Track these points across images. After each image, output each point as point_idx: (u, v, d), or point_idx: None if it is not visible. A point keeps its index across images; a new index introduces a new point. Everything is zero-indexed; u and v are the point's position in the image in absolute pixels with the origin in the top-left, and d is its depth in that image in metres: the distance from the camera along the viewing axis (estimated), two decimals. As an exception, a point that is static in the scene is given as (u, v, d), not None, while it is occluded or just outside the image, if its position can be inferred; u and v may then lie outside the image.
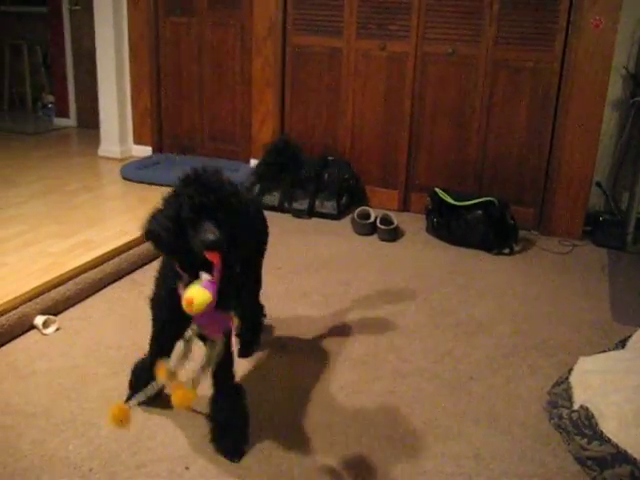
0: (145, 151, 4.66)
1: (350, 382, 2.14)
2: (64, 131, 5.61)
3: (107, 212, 3.56)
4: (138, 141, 4.71)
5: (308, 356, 2.30)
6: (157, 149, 4.66)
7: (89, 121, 5.53)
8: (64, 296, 2.54)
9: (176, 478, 1.66)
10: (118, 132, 4.62)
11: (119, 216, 3.49)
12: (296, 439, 1.83)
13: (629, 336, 2.32)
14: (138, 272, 2.91)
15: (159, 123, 4.63)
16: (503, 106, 3.69)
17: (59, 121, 5.83)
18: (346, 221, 3.75)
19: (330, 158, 3.98)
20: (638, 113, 3.73)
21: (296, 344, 2.38)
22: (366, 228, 3.54)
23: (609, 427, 1.74)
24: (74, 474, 1.66)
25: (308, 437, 1.85)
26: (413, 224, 3.74)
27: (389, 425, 1.93)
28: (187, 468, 1.70)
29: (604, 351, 2.28)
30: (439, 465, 1.77)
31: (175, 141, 4.64)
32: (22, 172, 4.17)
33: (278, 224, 3.65)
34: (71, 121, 5.79)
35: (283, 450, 1.78)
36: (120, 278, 2.84)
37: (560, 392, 2.04)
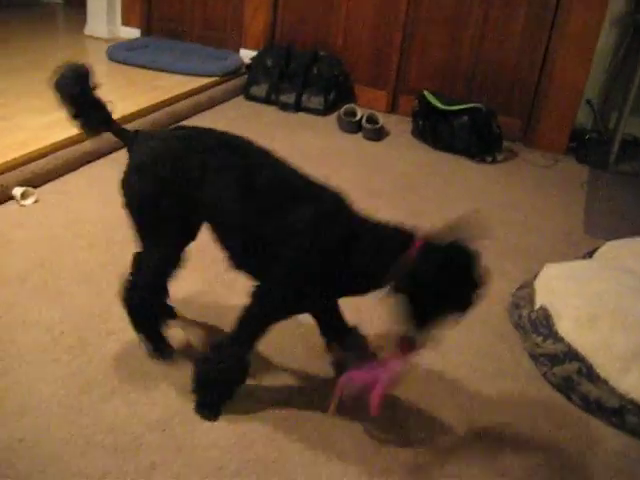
0: (133, 33, 4.53)
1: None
2: (51, 7, 5.42)
3: (91, 91, 3.50)
4: (126, 23, 4.57)
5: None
6: (146, 32, 4.54)
7: (76, -1, 5.35)
8: (44, 169, 2.53)
9: (144, 346, 1.72)
10: (106, 12, 4.48)
11: (104, 96, 3.43)
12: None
13: (597, 248, 2.38)
14: (120, 152, 2.89)
15: (149, 5, 4.48)
16: (500, 13, 3.60)
17: (45, -4, 5.63)
18: (332, 118, 3.73)
19: (321, 53, 3.91)
20: (637, 31, 3.66)
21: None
22: (351, 126, 3.52)
23: (564, 327, 1.82)
24: (45, 335, 1.72)
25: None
26: (399, 126, 3.73)
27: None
28: (156, 338, 1.76)
29: (571, 260, 2.34)
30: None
31: (165, 25, 4.51)
32: (3, 46, 4.05)
33: (264, 116, 3.62)
34: (58, -3, 5.60)
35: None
36: (101, 157, 2.84)
37: (524, 295, 2.10)
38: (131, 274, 1.68)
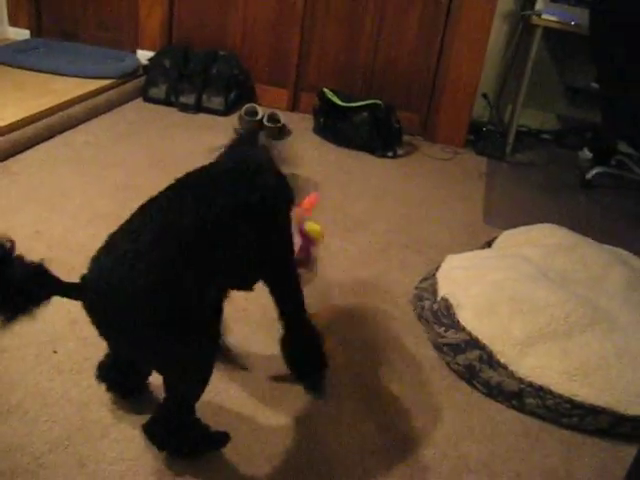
0: (22, 34, 4.34)
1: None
2: None
3: (-22, 97, 3.34)
4: (14, 23, 4.38)
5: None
6: (36, 33, 4.36)
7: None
8: None
9: (43, 362, 1.66)
10: (-9, 12, 4.28)
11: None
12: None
13: (495, 237, 2.46)
14: (12, 160, 2.77)
15: (37, 5, 4.30)
16: (395, 10, 3.67)
17: None
18: (234, 118, 3.70)
19: (221, 53, 3.87)
20: (526, 27, 3.81)
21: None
22: (252, 125, 3.50)
23: (465, 317, 1.87)
24: None
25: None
26: (301, 123, 3.74)
27: (258, 312, 1.98)
28: (55, 352, 1.69)
29: (472, 250, 2.41)
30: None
31: (57, 26, 4.34)
32: None
33: (164, 118, 3.55)
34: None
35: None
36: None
37: (426, 287, 2.15)
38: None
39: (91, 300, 1.20)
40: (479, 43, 3.59)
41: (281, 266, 1.57)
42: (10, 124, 2.87)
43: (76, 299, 1.21)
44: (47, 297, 1.17)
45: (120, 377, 1.54)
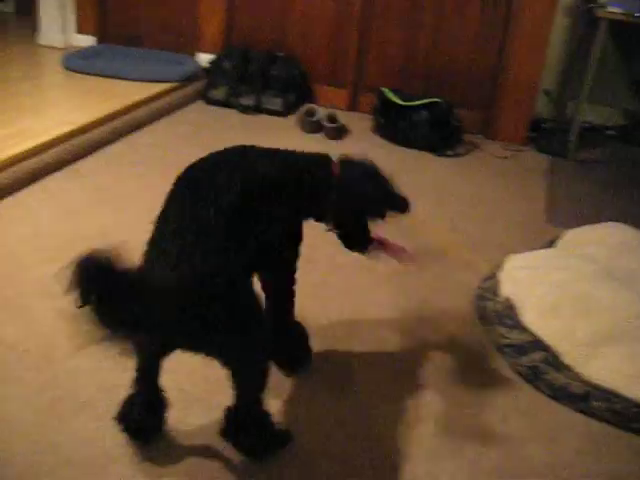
0: (89, 41, 4.48)
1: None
2: (1, 17, 5.33)
3: (47, 101, 3.45)
4: (81, 30, 4.51)
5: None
6: (101, 39, 4.49)
7: (28, 7, 5.25)
8: (1, 184, 2.49)
9: (110, 359, 1.70)
10: (59, 20, 4.41)
11: (60, 106, 3.39)
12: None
13: (559, 236, 2.41)
14: (79, 162, 2.86)
15: (103, 12, 4.43)
16: (454, 7, 3.64)
17: (-4, 6, 5.53)
18: (293, 118, 3.73)
19: (279, 54, 3.90)
20: (589, 20, 3.72)
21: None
22: (312, 126, 3.52)
23: (529, 318, 1.84)
24: (9, 353, 1.69)
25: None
26: (360, 123, 3.74)
27: (320, 313, 1.99)
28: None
29: (534, 250, 2.37)
30: (364, 350, 1.85)
31: (120, 31, 4.46)
32: (-44, 58, 3.98)
33: (224, 120, 3.60)
34: (8, 6, 5.48)
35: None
36: (60, 168, 2.80)
37: (488, 287, 2.12)
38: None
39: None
40: (540, 38, 3.52)
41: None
42: (78, 128, 2.97)
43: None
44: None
45: (141, 418, 1.47)
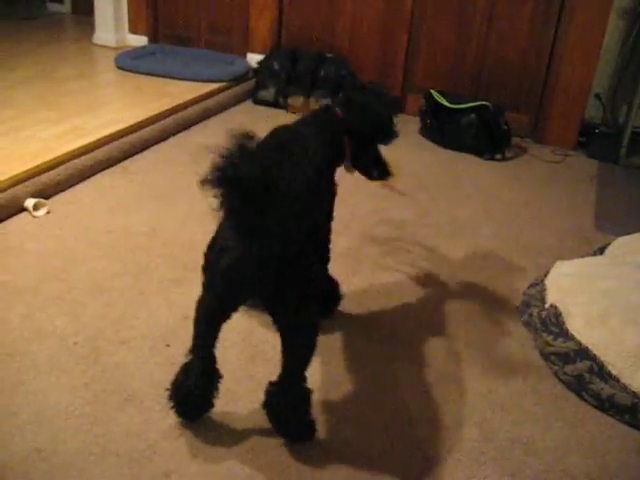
0: (141, 41, 4.56)
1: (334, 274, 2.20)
2: (58, 17, 5.47)
3: (100, 100, 3.53)
4: (134, 30, 4.60)
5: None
6: (153, 39, 4.57)
7: (84, 7, 5.38)
8: (54, 180, 2.56)
9: (157, 354, 1.74)
10: (113, 20, 4.50)
11: (112, 104, 3.46)
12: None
13: (608, 244, 2.37)
14: (130, 160, 2.92)
15: (155, 12, 4.51)
16: (506, 9, 3.60)
17: (52, 6, 5.65)
18: (340, 120, 3.73)
19: (328, 55, 3.92)
20: (644, 23, 3.64)
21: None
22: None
23: (575, 325, 1.81)
24: (60, 346, 1.74)
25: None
26: (407, 125, 3.72)
27: (366, 317, 2.00)
28: (168, 345, 1.78)
29: (582, 257, 2.33)
30: (409, 352, 1.85)
31: (172, 31, 4.53)
32: (12, 57, 4.08)
33: (273, 120, 3.62)
34: (65, 7, 5.63)
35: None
36: (111, 166, 2.86)
37: (534, 293, 2.10)
38: None
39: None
40: (593, 41, 3.46)
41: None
42: (129, 126, 3.03)
43: None
44: None
45: (196, 386, 1.50)
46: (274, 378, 1.46)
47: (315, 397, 1.55)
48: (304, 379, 1.47)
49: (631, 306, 1.81)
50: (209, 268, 1.37)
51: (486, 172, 3.25)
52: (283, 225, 1.21)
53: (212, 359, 1.50)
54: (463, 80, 3.80)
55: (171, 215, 2.50)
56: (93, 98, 3.49)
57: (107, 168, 2.84)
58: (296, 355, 1.43)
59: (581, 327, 1.80)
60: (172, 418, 1.54)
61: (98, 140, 2.86)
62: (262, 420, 1.52)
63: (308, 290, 1.37)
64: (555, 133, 3.67)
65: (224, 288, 1.35)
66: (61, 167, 2.61)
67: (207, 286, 1.39)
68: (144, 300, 1.97)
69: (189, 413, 1.54)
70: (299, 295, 1.35)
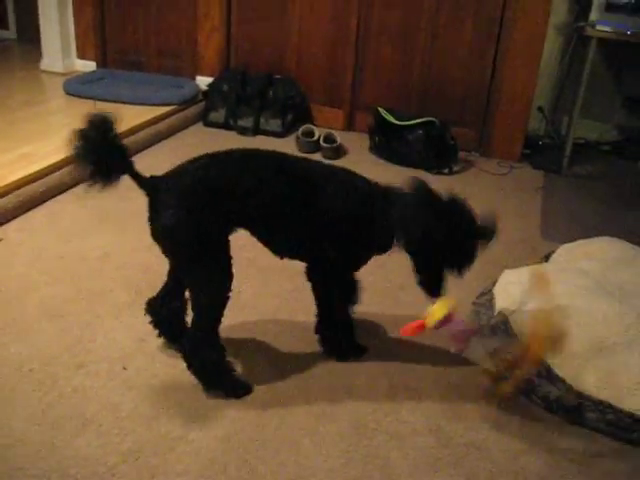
0: (89, 66, 4.55)
1: (287, 290, 2.23)
2: (3, 43, 5.41)
3: (49, 127, 3.51)
4: (82, 55, 4.58)
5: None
6: (102, 64, 4.56)
7: (30, 33, 5.34)
8: (5, 208, 2.54)
9: (113, 378, 1.75)
10: (60, 46, 4.48)
11: (62, 130, 3.45)
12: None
13: (553, 251, 2.45)
14: (81, 186, 2.91)
15: (103, 37, 4.50)
16: (448, 27, 3.71)
17: (-3, 33, 5.61)
18: (291, 139, 3.78)
19: (277, 76, 3.97)
20: (580, 38, 3.79)
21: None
22: (310, 146, 3.58)
23: (522, 331, 1.87)
24: (15, 372, 1.73)
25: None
26: (357, 143, 3.79)
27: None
28: (125, 368, 1.78)
29: (529, 265, 2.41)
30: (367, 361, 1.89)
31: (120, 56, 4.53)
32: (-41, 85, 4.05)
33: (224, 142, 3.66)
34: (10, 33, 5.57)
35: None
36: (63, 192, 2.85)
37: (484, 302, 2.16)
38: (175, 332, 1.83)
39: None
40: (533, 56, 3.59)
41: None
42: (79, 152, 3.02)
43: (142, 188, 1.69)
44: (122, 172, 1.66)
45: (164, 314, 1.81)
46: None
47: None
48: (212, 329, 1.67)
49: (575, 310, 1.88)
50: None
51: (435, 186, 3.30)
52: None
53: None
54: (410, 97, 3.89)
55: (123, 239, 2.50)
56: (43, 125, 3.47)
57: (59, 194, 2.83)
58: (197, 306, 1.66)
59: (528, 332, 1.86)
60: (130, 441, 1.54)
61: (49, 166, 2.85)
62: (225, 436, 1.54)
63: None
64: (500, 146, 3.78)
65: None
66: (11, 195, 2.60)
67: None
68: (99, 324, 1.97)
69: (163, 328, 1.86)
70: None
